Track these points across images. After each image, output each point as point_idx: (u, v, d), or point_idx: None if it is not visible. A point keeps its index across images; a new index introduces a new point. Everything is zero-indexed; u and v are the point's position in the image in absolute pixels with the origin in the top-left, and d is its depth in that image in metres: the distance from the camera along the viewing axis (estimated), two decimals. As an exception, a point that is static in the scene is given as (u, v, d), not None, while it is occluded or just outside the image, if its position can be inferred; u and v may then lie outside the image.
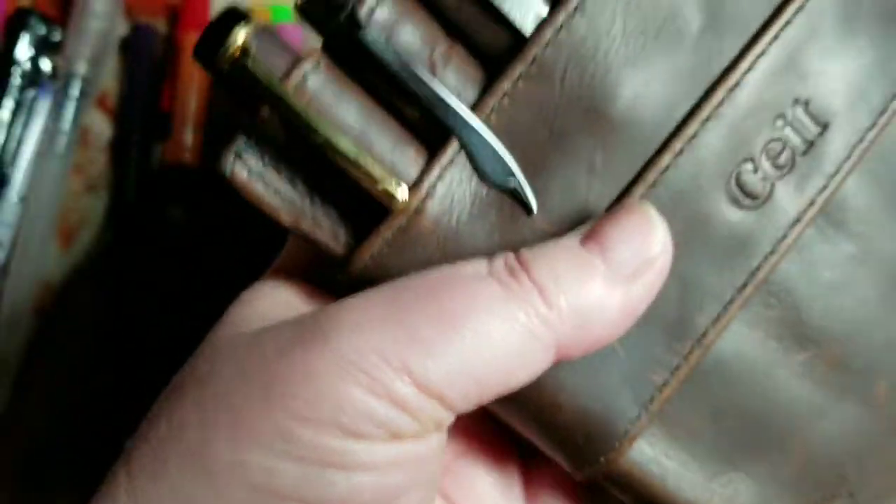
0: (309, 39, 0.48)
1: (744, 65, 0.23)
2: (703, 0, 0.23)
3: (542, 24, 0.23)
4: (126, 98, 0.47)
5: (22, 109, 0.45)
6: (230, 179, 0.23)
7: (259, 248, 0.44)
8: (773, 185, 0.24)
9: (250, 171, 0.23)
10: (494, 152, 0.23)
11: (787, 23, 0.23)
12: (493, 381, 0.22)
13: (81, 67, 0.45)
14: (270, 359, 0.22)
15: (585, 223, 0.23)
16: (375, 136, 0.23)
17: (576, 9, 0.23)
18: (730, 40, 0.24)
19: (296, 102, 0.22)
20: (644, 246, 0.22)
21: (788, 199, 0.24)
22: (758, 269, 0.24)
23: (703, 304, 0.24)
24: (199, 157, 0.45)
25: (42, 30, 0.45)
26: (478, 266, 0.22)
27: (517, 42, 0.23)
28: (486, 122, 0.23)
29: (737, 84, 0.23)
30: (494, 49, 0.24)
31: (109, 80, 0.47)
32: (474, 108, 0.23)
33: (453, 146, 0.23)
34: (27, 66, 0.45)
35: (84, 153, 0.46)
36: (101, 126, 0.47)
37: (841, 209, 0.25)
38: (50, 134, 0.45)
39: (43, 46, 0.45)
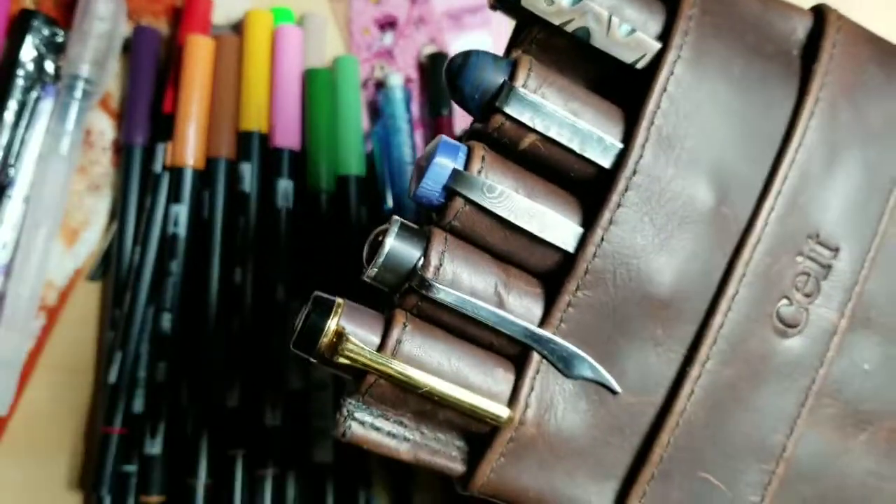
0: (308, 39, 0.48)
1: (759, 223, 0.27)
2: (712, 180, 0.27)
3: (584, 241, 0.27)
4: (129, 99, 0.47)
5: (25, 111, 0.45)
6: (349, 439, 0.26)
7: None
8: (807, 311, 0.28)
9: (364, 424, 0.27)
10: (571, 353, 0.27)
11: (785, 178, 0.27)
12: None
13: (85, 69, 0.45)
14: None
15: None
16: (468, 369, 0.27)
17: (610, 222, 0.26)
18: (741, 204, 0.27)
19: (396, 369, 0.26)
20: None
21: (823, 318, 0.28)
22: (813, 382, 0.28)
23: (777, 425, 0.28)
24: (203, 159, 0.46)
25: (46, 31, 0.45)
26: None
27: (564, 257, 0.27)
28: (558, 330, 0.27)
29: (759, 240, 0.27)
30: (546, 266, 0.27)
31: (112, 81, 0.47)
32: (544, 321, 0.27)
33: (535, 359, 0.27)
34: (31, 67, 0.45)
35: (87, 154, 0.47)
36: (104, 127, 0.47)
37: (865, 309, 0.29)
38: (53, 135, 0.45)
39: (47, 48, 0.46)
